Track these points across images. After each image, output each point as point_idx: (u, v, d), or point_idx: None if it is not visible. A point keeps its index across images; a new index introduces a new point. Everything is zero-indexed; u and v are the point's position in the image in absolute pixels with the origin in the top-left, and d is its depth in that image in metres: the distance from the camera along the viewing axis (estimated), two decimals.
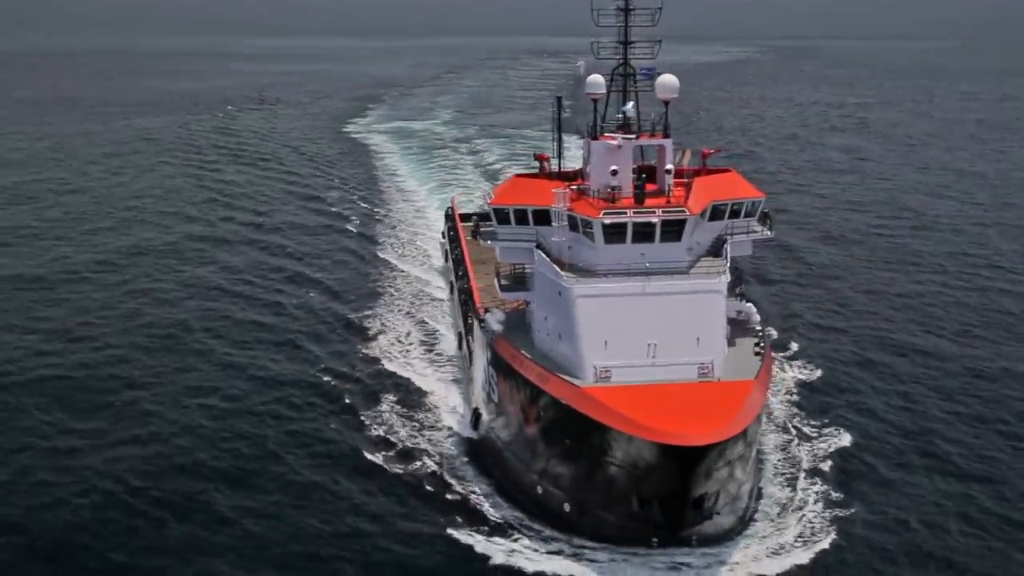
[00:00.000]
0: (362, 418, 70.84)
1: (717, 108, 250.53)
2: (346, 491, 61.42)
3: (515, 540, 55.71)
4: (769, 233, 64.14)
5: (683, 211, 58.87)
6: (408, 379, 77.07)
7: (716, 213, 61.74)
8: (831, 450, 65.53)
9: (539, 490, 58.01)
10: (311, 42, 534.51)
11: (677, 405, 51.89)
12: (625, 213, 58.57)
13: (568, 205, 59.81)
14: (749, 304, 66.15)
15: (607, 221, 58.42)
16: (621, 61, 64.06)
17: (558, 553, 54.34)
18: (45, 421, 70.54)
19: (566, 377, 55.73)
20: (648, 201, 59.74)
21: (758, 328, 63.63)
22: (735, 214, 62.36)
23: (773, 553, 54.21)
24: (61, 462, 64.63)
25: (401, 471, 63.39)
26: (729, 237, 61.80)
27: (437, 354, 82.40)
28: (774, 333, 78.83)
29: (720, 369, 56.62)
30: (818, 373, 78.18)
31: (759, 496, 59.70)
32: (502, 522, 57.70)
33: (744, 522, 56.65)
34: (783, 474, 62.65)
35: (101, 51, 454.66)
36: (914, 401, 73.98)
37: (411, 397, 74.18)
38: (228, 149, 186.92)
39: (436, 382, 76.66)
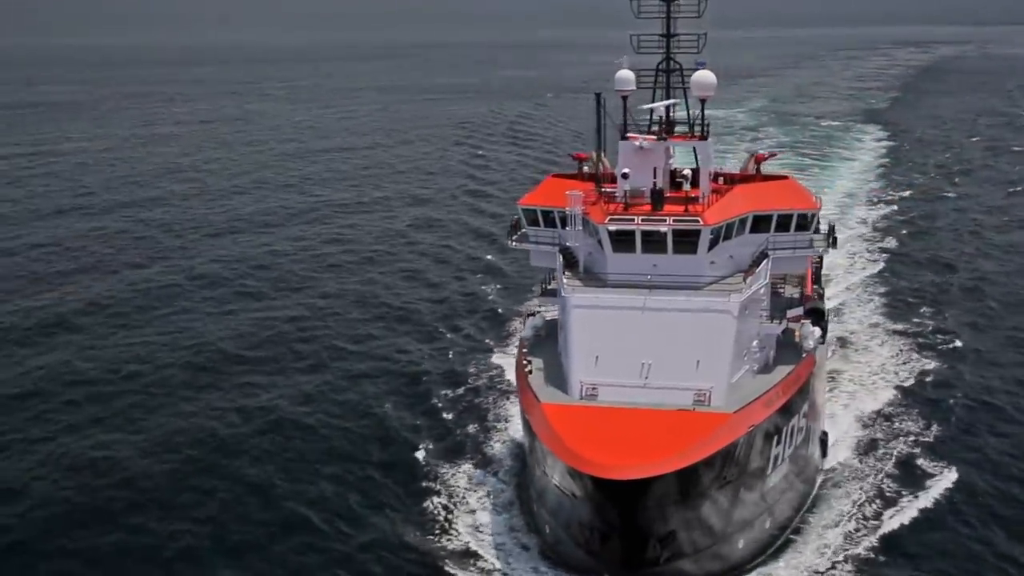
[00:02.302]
0: (436, 407, 70.87)
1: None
2: (372, 476, 61.28)
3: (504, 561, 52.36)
4: (822, 248, 56.30)
5: (697, 220, 52.72)
6: (511, 380, 75.00)
7: (759, 224, 55.06)
8: (882, 498, 57.03)
9: (535, 507, 55.15)
10: None
11: (630, 433, 46.25)
12: (633, 220, 53.49)
13: (583, 208, 55.95)
14: (813, 328, 58.17)
15: (612, 228, 53.56)
16: (664, 56, 58.82)
17: None
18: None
19: (544, 391, 51.76)
20: (667, 208, 54.21)
21: (804, 354, 56.12)
22: (782, 226, 55.11)
23: None
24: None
25: (442, 468, 61.95)
26: (771, 252, 55.00)
27: None
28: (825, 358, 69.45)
29: (721, 397, 49.91)
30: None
31: (778, 533, 52.49)
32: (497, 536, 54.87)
33: (737, 569, 49.90)
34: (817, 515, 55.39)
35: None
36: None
37: (501, 399, 72.40)
38: (499, 133, 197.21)
39: None
